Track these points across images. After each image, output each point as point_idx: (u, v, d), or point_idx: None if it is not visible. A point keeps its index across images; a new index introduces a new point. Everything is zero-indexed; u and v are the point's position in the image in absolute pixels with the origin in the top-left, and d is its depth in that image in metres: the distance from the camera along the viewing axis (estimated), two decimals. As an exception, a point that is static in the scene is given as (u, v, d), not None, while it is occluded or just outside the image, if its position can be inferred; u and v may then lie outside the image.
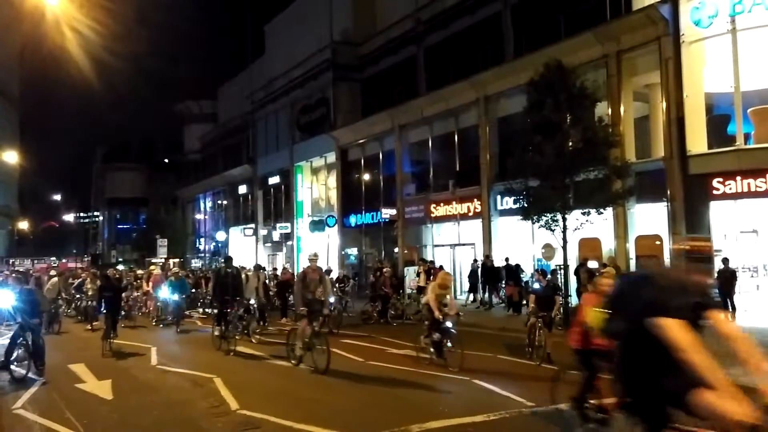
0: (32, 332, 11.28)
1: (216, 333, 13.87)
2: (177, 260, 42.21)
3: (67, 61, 55.47)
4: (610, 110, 19.15)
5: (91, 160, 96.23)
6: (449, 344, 10.99)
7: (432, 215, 27.03)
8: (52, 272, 25.26)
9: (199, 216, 57.22)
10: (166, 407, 8.58)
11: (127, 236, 78.93)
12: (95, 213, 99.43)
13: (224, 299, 13.95)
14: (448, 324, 11.02)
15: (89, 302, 19.37)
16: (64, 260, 59.29)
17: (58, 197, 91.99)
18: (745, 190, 16.61)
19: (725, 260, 15.88)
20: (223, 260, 15.40)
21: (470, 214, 24.90)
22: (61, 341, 15.25)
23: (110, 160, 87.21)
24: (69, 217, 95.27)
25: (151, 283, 20.80)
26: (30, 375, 10.79)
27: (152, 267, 27.00)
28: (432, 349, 11.23)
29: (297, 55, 36.89)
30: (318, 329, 11.28)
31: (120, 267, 39.01)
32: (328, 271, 17.23)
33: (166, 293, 19.11)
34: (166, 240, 45.15)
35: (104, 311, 15.06)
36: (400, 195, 28.97)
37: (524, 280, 20.79)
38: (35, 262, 53.92)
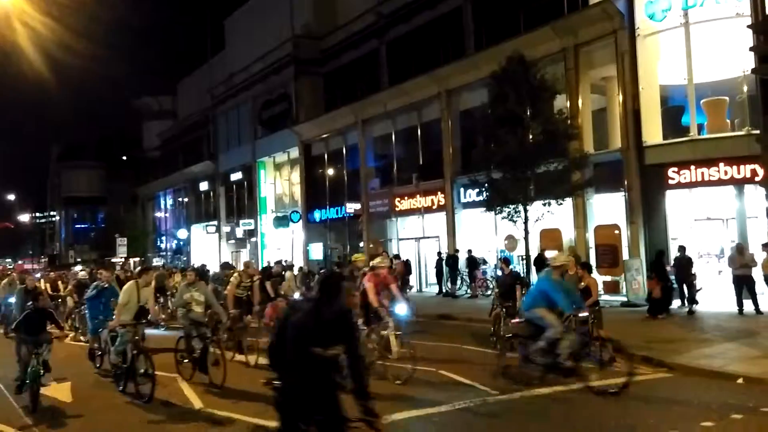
0: None
1: None
2: (138, 259, 41.43)
3: (18, 57, 53.84)
4: (568, 103, 19.47)
5: (47, 158, 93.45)
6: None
7: (396, 209, 27.09)
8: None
9: (160, 214, 56.15)
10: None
11: (85, 236, 77.04)
12: (52, 213, 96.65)
13: None
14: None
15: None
16: (20, 261, 57.67)
17: (12, 197, 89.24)
18: (699, 179, 17.13)
19: (681, 248, 16.29)
20: None
21: (434, 207, 25.04)
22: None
23: (66, 158, 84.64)
24: (24, 218, 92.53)
25: (369, 285, 9.60)
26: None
27: (360, 258, 12.16)
28: None
29: (258, 50, 36.43)
30: None
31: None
32: (290, 267, 17.09)
33: (402, 309, 10.06)
34: (125, 239, 44.25)
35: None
36: (364, 189, 28.94)
37: (483, 270, 22.15)
38: (-11, 263, 52.38)
